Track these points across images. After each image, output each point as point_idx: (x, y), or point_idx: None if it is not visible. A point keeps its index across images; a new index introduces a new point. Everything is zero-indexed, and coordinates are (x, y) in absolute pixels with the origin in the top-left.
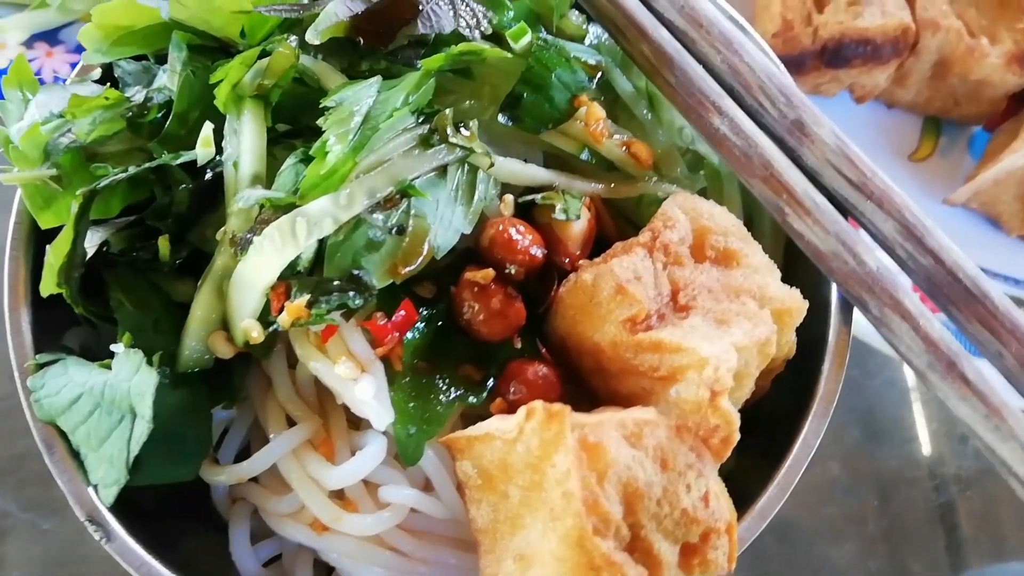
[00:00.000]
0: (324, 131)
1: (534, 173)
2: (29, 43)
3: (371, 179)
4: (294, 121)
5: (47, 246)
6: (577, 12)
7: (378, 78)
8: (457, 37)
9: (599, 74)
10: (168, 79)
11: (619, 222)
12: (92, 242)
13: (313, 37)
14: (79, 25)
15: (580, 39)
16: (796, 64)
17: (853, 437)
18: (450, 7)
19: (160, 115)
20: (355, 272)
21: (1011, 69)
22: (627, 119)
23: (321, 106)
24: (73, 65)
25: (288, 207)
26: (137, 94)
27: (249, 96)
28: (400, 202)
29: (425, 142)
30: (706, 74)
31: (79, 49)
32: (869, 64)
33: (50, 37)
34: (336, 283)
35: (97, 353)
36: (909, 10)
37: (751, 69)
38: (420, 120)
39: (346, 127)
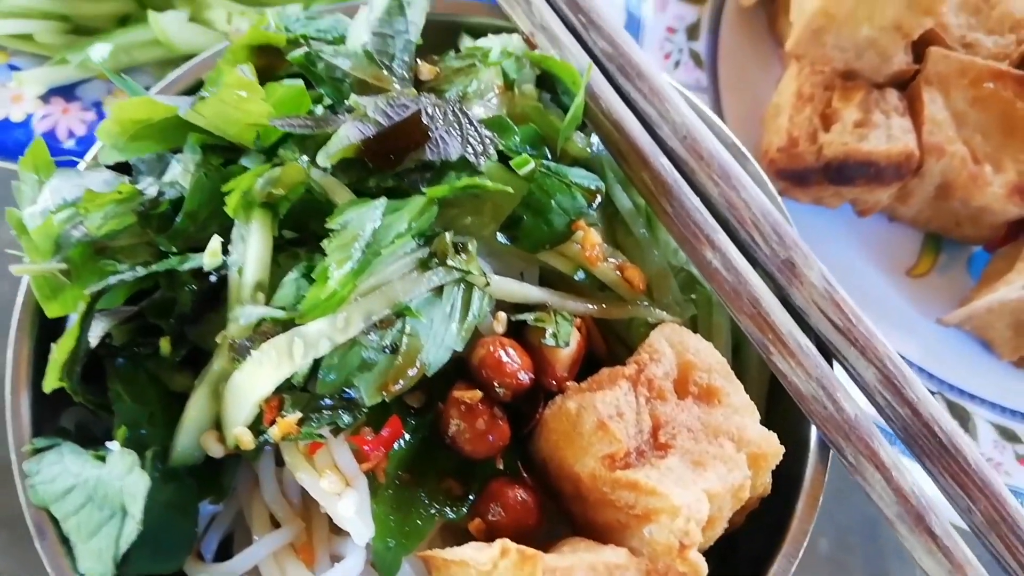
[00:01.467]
0: (327, 253)
1: (528, 292)
2: (46, 97)
3: (368, 302)
4: (299, 227)
5: (52, 344)
6: (581, 134)
7: (383, 200)
8: (463, 162)
9: (598, 199)
10: (181, 177)
11: (610, 340)
12: (95, 333)
13: (324, 160)
14: (96, 82)
15: (583, 160)
16: (800, 178)
17: (859, 544)
18: (459, 133)
19: (170, 208)
20: (347, 390)
21: (1012, 200)
22: (625, 234)
23: (327, 227)
24: (88, 123)
25: (287, 323)
26: (150, 187)
27: (259, 203)
28: (395, 322)
29: (423, 265)
30: (702, 206)
31: (96, 105)
32: (872, 184)
33: (67, 92)
34: (328, 401)
35: (93, 431)
36: (915, 133)
37: (747, 205)
38: (420, 243)
39: (348, 252)
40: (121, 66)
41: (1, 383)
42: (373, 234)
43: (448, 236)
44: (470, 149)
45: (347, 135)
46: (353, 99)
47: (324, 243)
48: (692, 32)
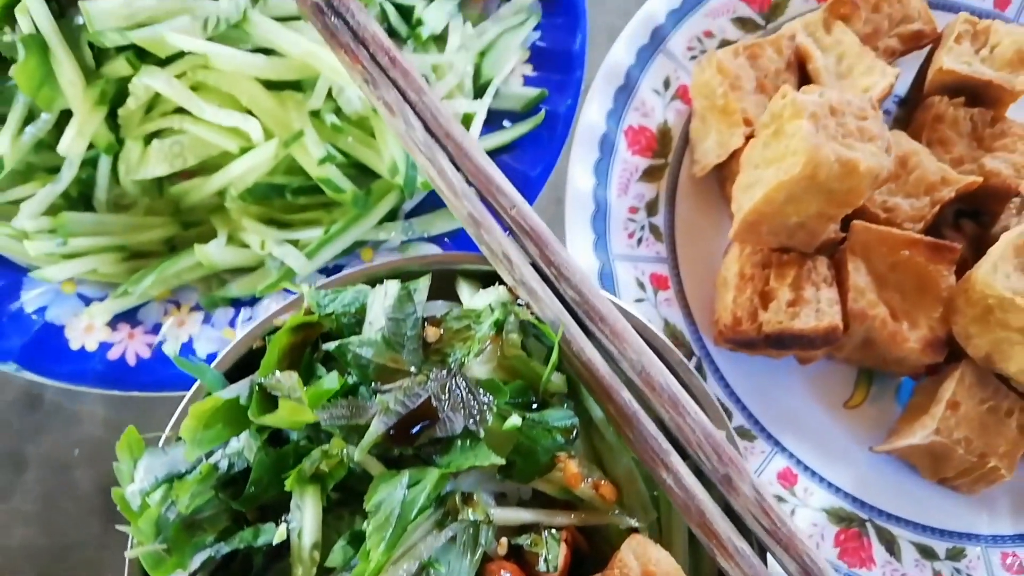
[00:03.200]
0: (367, 535)
1: (523, 516)
2: (113, 324)
3: (399, 567)
4: (341, 488)
5: None
6: (558, 373)
7: (407, 474)
8: (466, 430)
9: (574, 433)
10: (246, 451)
11: (591, 538)
12: None
13: (360, 454)
14: (153, 304)
15: (560, 392)
16: (745, 345)
17: None
18: (462, 407)
19: (239, 475)
20: None
21: (925, 354)
22: (599, 438)
23: (365, 508)
24: (151, 346)
25: None
26: (221, 460)
27: (309, 478)
28: (421, 574)
29: (440, 525)
30: (658, 432)
31: (155, 329)
32: (806, 348)
33: (130, 318)
34: None
35: None
36: (841, 301)
37: (692, 429)
38: (436, 503)
39: (383, 534)
40: (172, 287)
41: None
42: (401, 506)
43: (458, 497)
44: (471, 421)
45: (376, 430)
46: (379, 398)
47: (364, 525)
48: (651, 208)
